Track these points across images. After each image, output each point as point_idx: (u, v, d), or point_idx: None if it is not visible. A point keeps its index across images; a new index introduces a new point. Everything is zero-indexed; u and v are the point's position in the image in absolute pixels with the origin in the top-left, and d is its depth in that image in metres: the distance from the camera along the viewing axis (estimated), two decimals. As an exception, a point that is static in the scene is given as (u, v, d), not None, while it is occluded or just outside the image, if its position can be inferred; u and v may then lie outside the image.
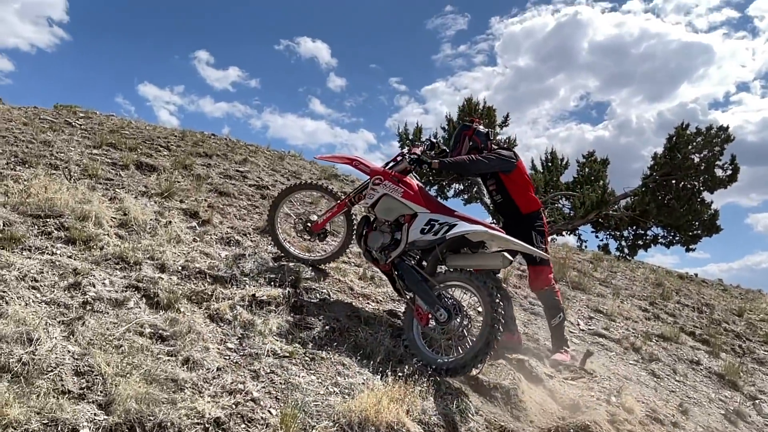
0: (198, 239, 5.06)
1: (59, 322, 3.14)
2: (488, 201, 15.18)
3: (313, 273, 4.96)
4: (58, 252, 4.04)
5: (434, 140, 5.01)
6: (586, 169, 16.81)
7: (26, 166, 5.77)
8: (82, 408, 2.52)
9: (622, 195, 16.06)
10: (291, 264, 4.95)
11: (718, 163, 14.96)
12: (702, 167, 15.00)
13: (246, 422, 2.73)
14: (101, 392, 2.64)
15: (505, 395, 3.90)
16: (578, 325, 6.52)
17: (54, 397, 2.51)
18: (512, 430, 3.57)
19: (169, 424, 2.53)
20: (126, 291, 3.70)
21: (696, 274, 13.99)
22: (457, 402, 3.55)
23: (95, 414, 2.51)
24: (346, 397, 3.19)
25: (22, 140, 6.66)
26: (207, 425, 2.62)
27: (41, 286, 3.47)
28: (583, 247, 15.72)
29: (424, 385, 3.44)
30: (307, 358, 3.57)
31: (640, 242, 16.27)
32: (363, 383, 3.41)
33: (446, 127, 18.04)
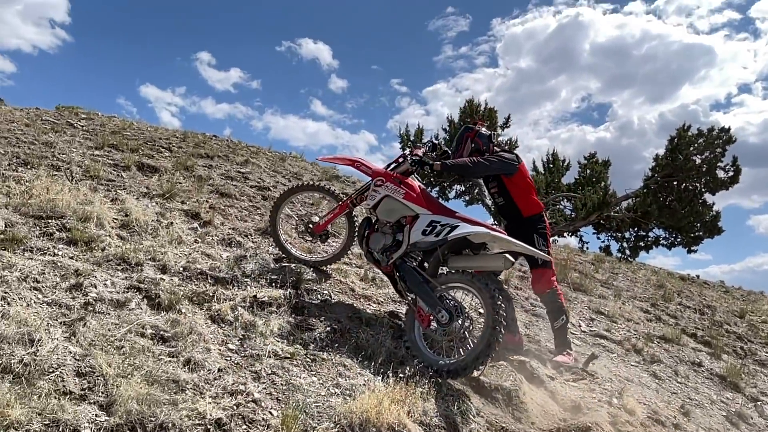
0: (199, 240, 5.06)
1: (61, 322, 3.14)
2: (489, 202, 15.19)
3: (314, 274, 4.96)
4: (60, 253, 4.04)
5: (436, 142, 5.00)
6: (588, 171, 16.82)
7: (28, 167, 5.78)
8: (84, 409, 2.52)
9: (623, 196, 16.07)
10: (292, 265, 4.95)
11: (719, 164, 14.97)
12: (703, 169, 15.01)
13: (247, 423, 2.73)
14: (102, 393, 2.65)
15: (506, 397, 3.89)
16: (579, 326, 6.51)
17: (55, 397, 2.51)
18: (513, 432, 3.56)
19: (170, 425, 2.53)
20: (127, 292, 3.71)
21: (698, 276, 13.98)
22: (459, 403, 3.54)
23: (96, 415, 2.51)
24: (347, 398, 3.19)
25: (24, 141, 6.67)
26: (208, 426, 2.62)
27: (43, 287, 3.47)
28: (585, 249, 15.71)
29: (425, 386, 3.44)
30: (308, 359, 3.57)
31: (642, 244, 16.27)
32: (364, 384, 3.41)
33: (447, 129, 18.05)
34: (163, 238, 4.78)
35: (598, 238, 17.08)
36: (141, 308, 3.58)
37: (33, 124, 7.83)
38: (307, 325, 4.06)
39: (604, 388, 4.68)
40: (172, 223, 5.16)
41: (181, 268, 4.32)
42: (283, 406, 2.96)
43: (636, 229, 16.27)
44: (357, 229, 4.89)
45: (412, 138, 18.17)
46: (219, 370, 3.15)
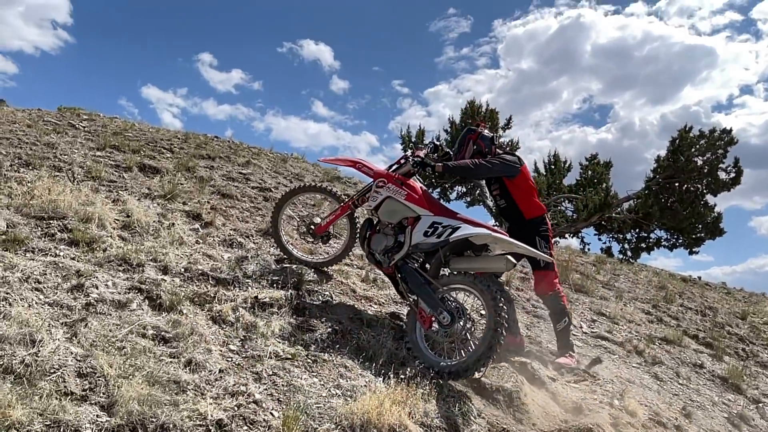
0: (201, 241, 5.06)
1: (62, 323, 3.14)
2: (491, 204, 15.18)
3: (315, 275, 4.96)
4: (62, 254, 4.05)
5: (438, 143, 5.00)
6: (589, 172, 16.80)
7: (30, 167, 5.79)
8: (85, 409, 2.52)
9: (625, 198, 16.04)
10: (293, 266, 4.96)
11: (721, 165, 14.94)
12: (705, 170, 14.98)
13: (248, 424, 2.73)
14: (104, 394, 2.65)
15: (507, 398, 3.89)
16: (581, 328, 6.50)
17: (56, 398, 2.51)
18: (515, 433, 3.56)
19: (171, 425, 2.53)
20: (129, 293, 3.71)
21: (699, 277, 13.96)
22: (460, 404, 3.54)
23: (97, 415, 2.51)
24: (348, 399, 3.19)
25: (26, 142, 6.68)
26: (209, 427, 2.62)
27: (44, 287, 3.47)
28: (586, 250, 15.69)
29: (427, 387, 3.44)
30: (309, 360, 3.57)
31: (643, 245, 16.25)
32: (365, 385, 3.41)
33: (449, 130, 18.04)
34: (164, 239, 4.78)
35: (600, 239, 17.06)
36: (142, 309, 3.58)
37: (35, 125, 7.84)
38: (308, 326, 4.06)
39: (606, 389, 4.67)
40: (173, 224, 5.16)
41: (183, 269, 4.33)
42: (284, 407, 2.96)
43: (637, 230, 16.24)
44: (358, 230, 4.89)
45: (413, 139, 18.16)
46: (220, 370, 3.15)
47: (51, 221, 4.47)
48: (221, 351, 3.40)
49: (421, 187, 4.59)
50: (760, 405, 5.80)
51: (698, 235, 15.58)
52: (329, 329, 4.08)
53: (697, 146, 15.10)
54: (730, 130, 15.02)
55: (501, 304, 3.81)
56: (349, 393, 3.28)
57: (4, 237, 3.99)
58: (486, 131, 5.10)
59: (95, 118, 9.78)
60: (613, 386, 4.79)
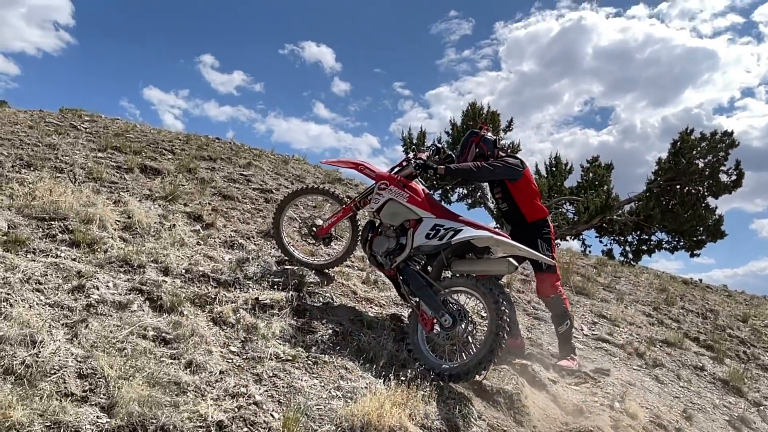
0: (201, 242, 5.07)
1: (63, 324, 3.14)
2: (492, 206, 15.19)
3: (316, 277, 4.96)
4: (63, 254, 4.05)
5: (440, 146, 5.00)
6: (591, 174, 16.83)
7: (31, 168, 5.80)
8: (85, 411, 2.52)
9: (626, 200, 16.07)
10: (294, 268, 4.95)
11: (722, 168, 14.97)
12: (706, 172, 15.00)
13: (248, 426, 2.73)
14: (104, 395, 2.65)
15: (508, 400, 3.88)
16: (582, 330, 6.50)
17: (57, 399, 2.52)
18: (515, 436, 3.55)
19: (171, 427, 2.53)
20: (129, 294, 3.71)
21: (700, 280, 13.93)
22: (460, 406, 3.54)
23: (98, 417, 2.51)
24: (349, 401, 3.18)
25: (27, 143, 6.69)
26: (209, 428, 2.62)
27: (45, 288, 3.48)
28: (587, 252, 15.71)
29: (427, 389, 3.44)
30: (309, 362, 3.57)
31: (645, 247, 16.27)
32: (366, 387, 3.40)
33: (450, 132, 18.07)
34: (165, 241, 4.78)
35: (601, 241, 17.09)
36: (143, 310, 3.58)
37: (36, 126, 7.85)
38: (308, 327, 4.06)
39: (606, 391, 4.67)
40: (174, 225, 5.16)
41: (184, 271, 4.33)
42: (284, 408, 2.95)
43: (639, 232, 16.26)
44: (360, 232, 4.89)
45: (414, 141, 18.20)
46: (220, 372, 3.15)
47: (52, 222, 4.47)
48: (222, 352, 3.40)
49: (423, 190, 4.59)
50: (761, 408, 5.79)
51: (699, 237, 15.60)
52: (330, 331, 4.08)
53: (699, 149, 15.11)
54: (732, 132, 15.04)
55: (503, 308, 3.81)
56: (349, 395, 3.28)
57: (5, 238, 4.00)
58: (488, 134, 5.10)
59: (97, 119, 9.79)
60: (613, 389, 4.78)
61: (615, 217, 15.75)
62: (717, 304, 10.65)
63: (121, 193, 5.73)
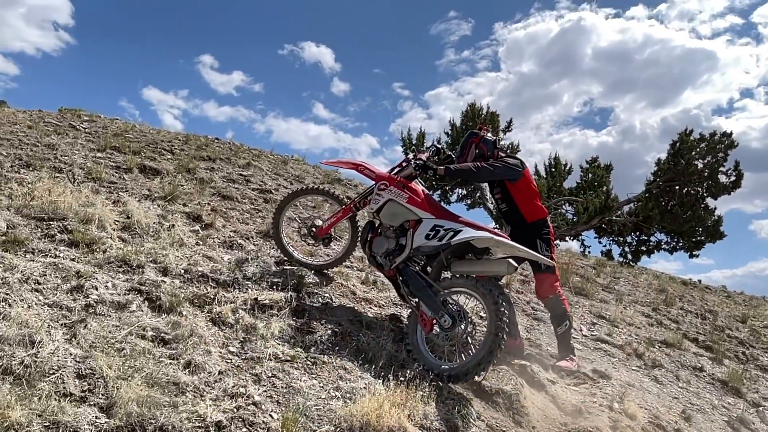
0: (201, 243, 5.06)
1: (61, 324, 3.14)
2: (491, 206, 15.20)
3: (315, 277, 4.95)
4: (61, 255, 4.05)
5: (439, 146, 5.00)
6: (590, 175, 16.85)
7: (30, 169, 5.79)
8: (84, 411, 2.52)
9: (625, 201, 16.08)
10: (293, 268, 4.95)
11: (721, 169, 14.99)
12: (706, 173, 15.02)
13: (247, 426, 2.73)
14: (103, 395, 2.65)
15: (507, 401, 3.88)
16: (581, 330, 6.50)
17: (55, 399, 2.51)
18: (514, 436, 3.55)
19: (170, 427, 2.53)
20: (128, 294, 3.71)
21: (699, 281, 13.94)
22: (459, 407, 3.54)
23: (96, 417, 2.51)
24: (348, 401, 3.18)
25: (26, 143, 6.69)
26: (208, 428, 2.61)
27: (44, 288, 3.47)
28: (587, 253, 15.71)
29: (426, 389, 3.43)
30: (308, 362, 3.57)
31: (644, 248, 16.28)
32: (365, 387, 3.40)
33: (450, 132, 18.08)
34: (164, 241, 4.78)
35: (600, 242, 17.11)
36: (142, 310, 3.58)
37: (36, 126, 7.85)
38: (308, 328, 4.05)
39: (606, 392, 4.67)
40: (173, 225, 5.16)
41: (183, 271, 4.33)
42: (283, 409, 2.95)
43: (638, 233, 16.28)
44: (360, 232, 4.89)
45: (414, 141, 18.21)
46: (219, 372, 3.15)
47: (51, 222, 4.47)
48: (221, 353, 3.40)
49: (423, 190, 4.59)
50: (760, 409, 5.79)
51: (698, 238, 15.61)
52: (329, 331, 4.08)
53: (698, 149, 15.13)
54: (731, 133, 15.06)
55: (502, 309, 3.81)
56: (348, 395, 3.28)
57: (4, 238, 3.99)
58: (488, 135, 5.10)
59: (96, 119, 9.79)
60: (612, 389, 4.79)
61: (614, 217, 15.76)
62: (716, 304, 10.65)
63: (120, 193, 5.72)
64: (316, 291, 4.71)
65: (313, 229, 5.06)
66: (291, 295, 4.37)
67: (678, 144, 15.23)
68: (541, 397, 4.16)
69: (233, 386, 3.04)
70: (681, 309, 9.30)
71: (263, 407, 2.92)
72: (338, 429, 2.90)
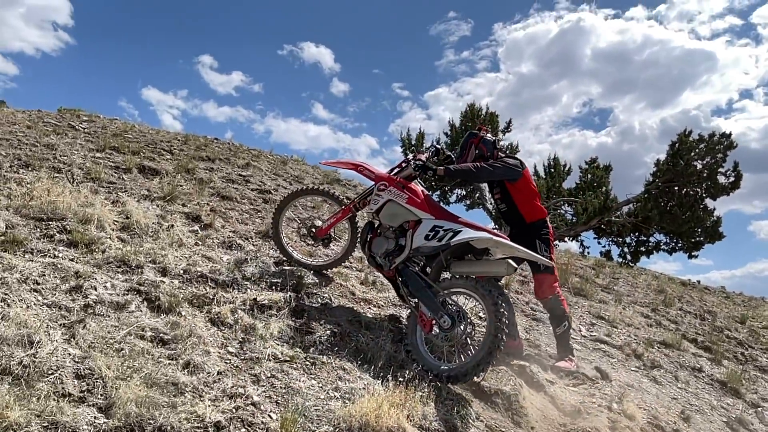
0: (200, 243, 5.06)
1: (60, 324, 3.14)
2: (490, 207, 15.21)
3: (314, 277, 4.95)
4: (60, 255, 4.04)
5: (439, 146, 5.00)
6: (589, 176, 16.85)
7: (29, 169, 5.79)
8: (83, 411, 2.52)
9: (624, 201, 16.09)
10: (292, 268, 4.95)
11: (720, 170, 14.99)
12: (705, 174, 15.03)
13: (246, 426, 2.73)
14: (101, 395, 2.64)
15: (506, 401, 3.88)
16: (580, 331, 6.50)
17: (54, 400, 2.51)
18: (513, 437, 3.55)
19: (169, 427, 2.53)
20: (127, 294, 3.71)
21: (698, 281, 13.95)
22: (458, 407, 3.54)
23: (95, 417, 2.51)
24: (347, 401, 3.18)
25: (25, 143, 6.68)
26: (207, 429, 2.61)
27: (43, 288, 3.47)
28: (586, 253, 15.71)
29: (425, 390, 3.43)
30: (307, 363, 3.57)
31: (643, 249, 16.29)
32: (364, 388, 3.40)
33: (449, 133, 18.08)
34: (163, 241, 4.78)
35: (599, 242, 17.11)
36: (141, 311, 3.58)
37: (35, 126, 7.84)
38: (307, 328, 4.05)
39: (604, 393, 4.67)
40: (172, 225, 5.16)
41: (182, 271, 4.32)
42: (282, 409, 2.95)
43: (637, 234, 16.29)
44: (359, 233, 4.89)
45: (413, 142, 18.21)
46: (218, 373, 3.15)
47: (50, 222, 4.47)
48: (220, 353, 3.40)
49: (422, 191, 4.59)
50: (759, 409, 5.79)
51: (697, 239, 15.62)
52: (328, 331, 4.08)
53: (697, 150, 15.14)
54: (730, 134, 15.07)
55: (502, 310, 3.81)
56: (347, 395, 3.28)
57: (3, 238, 3.99)
58: (488, 135, 5.10)
59: (95, 119, 9.78)
60: (611, 390, 4.79)
61: (613, 218, 15.77)
62: (715, 305, 10.66)
63: (120, 193, 5.72)
64: (315, 291, 4.70)
65: (313, 230, 5.06)
66: (290, 296, 4.37)
67: (677, 145, 15.23)
68: (540, 398, 4.16)
69: (232, 386, 3.03)
70: (680, 310, 9.30)
71: (262, 407, 2.92)
72: (337, 429, 2.90)
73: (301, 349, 3.71)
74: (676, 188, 15.29)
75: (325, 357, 3.69)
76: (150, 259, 4.32)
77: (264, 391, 3.11)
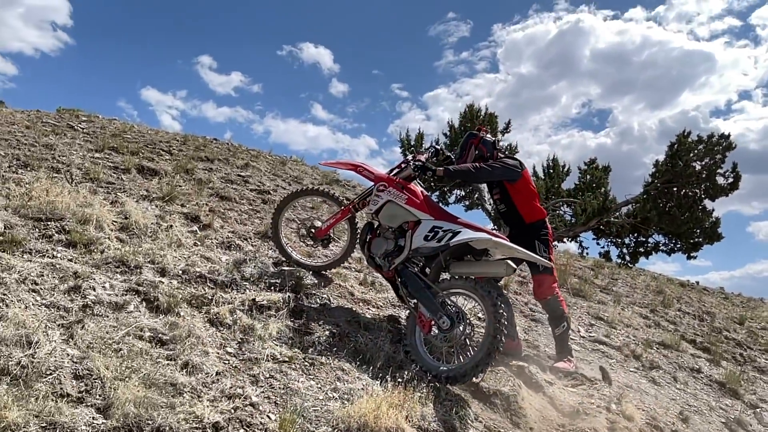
0: (199, 243, 5.06)
1: (59, 325, 3.14)
2: (489, 207, 15.21)
3: (313, 278, 4.95)
4: (59, 255, 4.04)
5: (438, 147, 5.00)
6: (588, 176, 16.84)
7: (28, 169, 5.78)
8: (81, 411, 2.51)
9: (623, 202, 16.07)
10: (291, 269, 4.95)
11: (719, 171, 14.97)
12: (703, 175, 15.01)
13: (245, 427, 2.73)
14: (100, 396, 2.64)
15: (504, 402, 3.89)
16: (579, 332, 6.50)
17: (53, 400, 2.51)
18: (512, 438, 3.55)
19: (167, 428, 2.53)
20: (126, 294, 3.70)
21: (697, 282, 13.96)
22: (457, 408, 3.54)
23: (94, 418, 2.51)
24: (346, 402, 3.18)
25: (24, 143, 6.68)
26: (205, 430, 2.61)
27: (41, 289, 3.47)
28: (585, 254, 15.71)
29: (424, 390, 3.43)
30: (306, 363, 3.57)
31: (642, 249, 16.28)
32: (362, 389, 3.40)
33: (448, 134, 18.07)
34: (162, 241, 4.77)
35: (598, 243, 17.09)
36: (139, 311, 3.57)
37: (33, 126, 7.84)
38: (305, 329, 4.05)
39: (603, 393, 4.67)
40: (171, 226, 5.16)
41: (180, 271, 4.32)
42: (280, 410, 2.95)
43: (636, 234, 16.28)
44: (359, 233, 4.88)
45: (412, 142, 18.20)
46: (217, 373, 3.15)
47: (48, 222, 4.46)
48: (218, 353, 3.39)
49: (422, 192, 4.59)
50: (758, 410, 5.80)
51: (696, 239, 15.61)
52: (327, 332, 4.08)
53: (696, 151, 15.13)
54: (729, 135, 15.06)
55: (501, 311, 3.81)
56: (346, 396, 3.27)
57: (1, 238, 3.98)
58: (488, 136, 5.11)
59: (94, 119, 9.78)
60: (610, 390, 4.79)
61: (612, 219, 15.76)
62: (714, 306, 10.67)
63: (118, 193, 5.72)
64: (314, 292, 4.70)
65: (312, 230, 5.06)
66: (289, 296, 4.36)
67: (676, 146, 15.22)
68: (538, 398, 4.17)
69: (231, 387, 3.03)
70: (679, 310, 9.31)
71: (261, 408, 2.92)
72: (336, 430, 2.90)
73: (299, 350, 3.71)
74: (674, 189, 15.28)
75: (323, 357, 3.68)
76: (149, 260, 4.32)
77: (263, 392, 3.11)
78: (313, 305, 4.48)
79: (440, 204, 4.85)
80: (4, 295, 3.23)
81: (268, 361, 3.45)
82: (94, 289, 3.60)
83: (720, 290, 13.98)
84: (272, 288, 4.48)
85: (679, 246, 15.84)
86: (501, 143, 5.20)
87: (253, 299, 4.15)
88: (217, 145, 10.46)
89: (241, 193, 7.18)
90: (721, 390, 6.11)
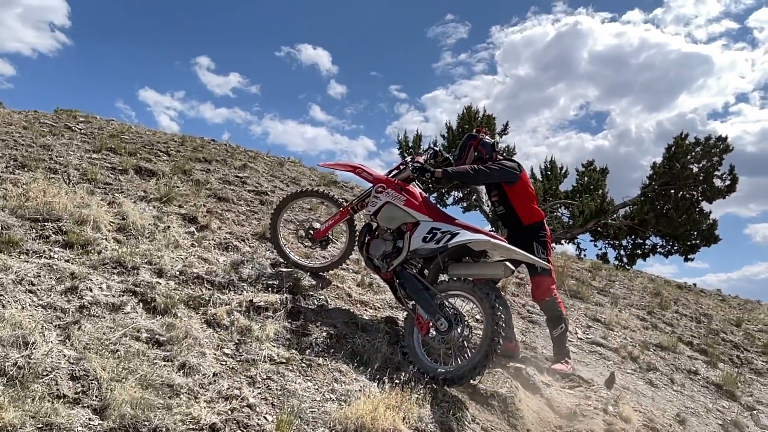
0: (196, 244, 5.05)
1: (55, 326, 3.13)
2: (487, 209, 15.21)
3: (311, 279, 4.95)
4: (56, 256, 4.03)
5: (437, 149, 5.01)
6: (586, 178, 16.85)
7: (25, 169, 5.77)
8: (77, 413, 2.51)
9: (621, 204, 16.08)
10: (289, 270, 4.95)
11: (716, 173, 14.99)
12: (701, 177, 15.03)
13: (241, 428, 2.72)
14: (96, 397, 2.63)
15: (502, 403, 3.89)
16: (576, 333, 6.51)
17: (49, 401, 2.50)
18: (509, 439, 3.55)
19: (164, 429, 2.52)
20: (123, 295, 3.69)
21: (694, 284, 14.00)
22: (454, 410, 3.54)
23: (90, 419, 2.50)
24: (343, 403, 3.18)
25: (21, 144, 6.67)
26: (202, 431, 2.60)
27: (38, 289, 3.46)
28: (582, 256, 15.72)
29: (421, 392, 3.43)
30: (303, 365, 3.56)
31: (639, 251, 16.28)
32: (360, 390, 3.40)
33: (446, 135, 18.07)
34: (159, 242, 4.77)
35: (596, 245, 17.09)
36: (136, 312, 3.57)
37: (31, 126, 7.82)
38: (303, 330, 4.05)
39: (600, 395, 4.67)
40: (169, 226, 5.15)
41: (178, 272, 4.31)
42: (278, 411, 2.95)
43: (633, 236, 16.28)
44: (357, 235, 4.88)
45: (410, 144, 18.20)
46: (214, 374, 3.14)
47: (46, 223, 4.45)
48: (215, 355, 3.39)
49: (420, 193, 4.59)
50: (755, 412, 5.81)
51: (693, 242, 15.62)
52: (324, 334, 4.07)
53: (693, 153, 15.15)
54: (726, 137, 15.08)
55: (499, 314, 3.82)
56: (343, 397, 3.27)
57: (-2, 238, 3.97)
58: (487, 137, 5.12)
59: (92, 120, 9.77)
60: (607, 392, 4.79)
61: (610, 221, 15.77)
62: (711, 308, 10.69)
63: (116, 194, 5.71)
64: (311, 293, 4.70)
65: (311, 232, 5.05)
66: (286, 297, 4.36)
67: (673, 148, 15.24)
68: (536, 400, 4.17)
69: (228, 388, 3.03)
70: (676, 312, 9.32)
71: (258, 409, 2.91)
72: (333, 431, 2.90)
73: (297, 351, 3.71)
74: (672, 191, 15.29)
75: (321, 359, 3.68)
76: (146, 261, 4.31)
77: (260, 393, 3.10)
78: (310, 306, 4.48)
79: (438, 205, 4.86)
80: (1, 295, 3.22)
81: (266, 362, 3.45)
82: (91, 290, 3.59)
83: (717, 292, 14.01)
84: (270, 289, 4.47)
85: (676, 248, 15.85)
86: (500, 145, 5.21)
87: (251, 300, 4.15)
88: (214, 146, 10.45)
89: (238, 194, 7.17)
90: (718, 392, 6.12)
